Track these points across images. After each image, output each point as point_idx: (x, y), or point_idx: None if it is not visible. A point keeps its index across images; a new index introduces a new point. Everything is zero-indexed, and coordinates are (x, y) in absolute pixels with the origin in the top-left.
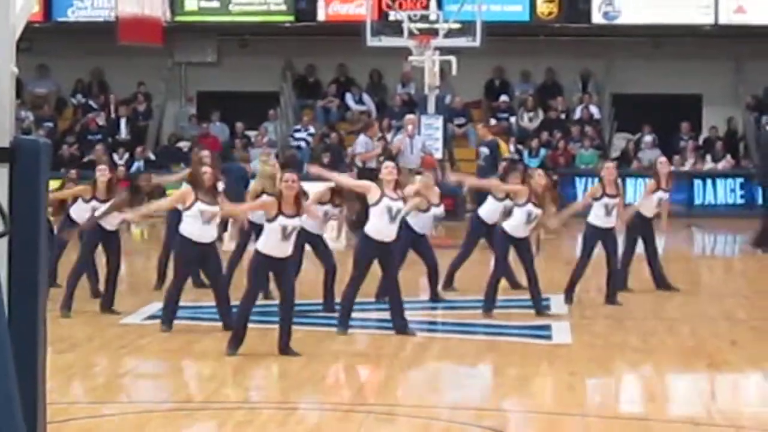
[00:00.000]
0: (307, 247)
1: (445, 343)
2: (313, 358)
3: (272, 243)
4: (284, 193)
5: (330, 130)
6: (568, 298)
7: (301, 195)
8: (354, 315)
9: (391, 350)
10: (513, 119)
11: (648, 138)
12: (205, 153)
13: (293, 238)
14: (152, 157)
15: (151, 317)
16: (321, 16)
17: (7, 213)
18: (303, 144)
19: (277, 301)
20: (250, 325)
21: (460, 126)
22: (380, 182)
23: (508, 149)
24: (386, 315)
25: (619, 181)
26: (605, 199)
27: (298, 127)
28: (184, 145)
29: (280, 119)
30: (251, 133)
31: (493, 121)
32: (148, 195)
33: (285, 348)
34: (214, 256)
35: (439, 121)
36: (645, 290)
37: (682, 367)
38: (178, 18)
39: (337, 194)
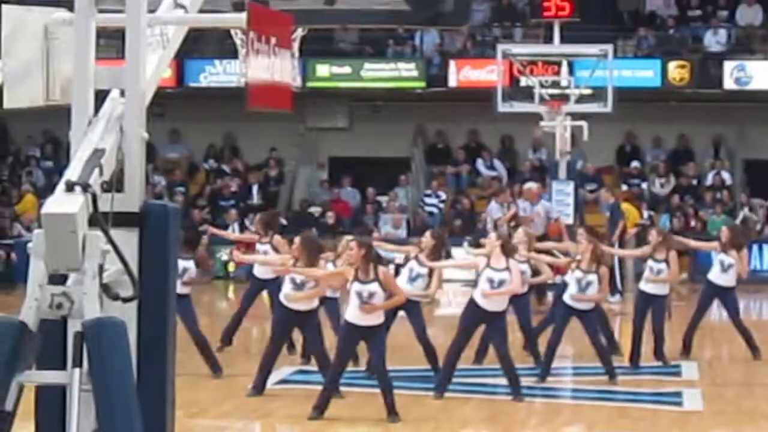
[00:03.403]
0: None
1: (576, 408)
2: (441, 423)
3: (353, 310)
4: (354, 258)
5: (461, 195)
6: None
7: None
8: (476, 381)
9: (522, 416)
10: (644, 185)
11: None
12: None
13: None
14: (284, 222)
15: (282, 381)
16: (452, 82)
17: (137, 277)
18: (434, 209)
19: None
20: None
21: (591, 191)
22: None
23: (640, 215)
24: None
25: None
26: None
27: (429, 192)
28: (315, 210)
29: (411, 184)
30: (382, 199)
31: (624, 187)
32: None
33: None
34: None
35: (570, 187)
36: None
37: None
38: (310, 84)
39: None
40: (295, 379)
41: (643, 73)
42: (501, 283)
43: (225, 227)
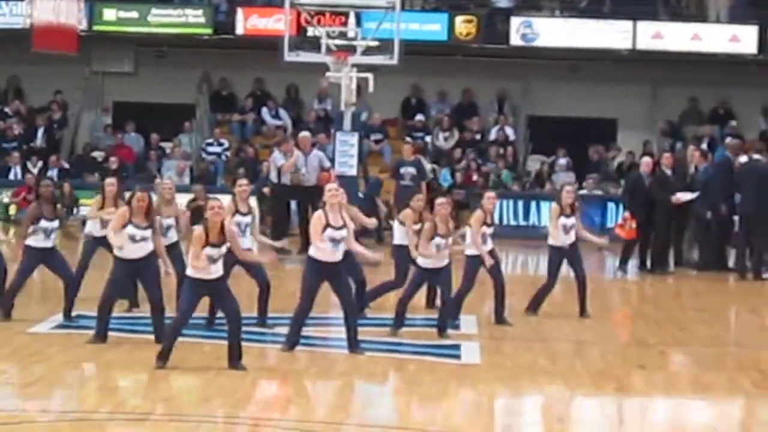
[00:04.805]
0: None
1: (354, 360)
2: (222, 371)
3: (202, 268)
4: (211, 220)
5: (245, 144)
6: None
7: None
8: (259, 329)
9: (301, 366)
10: (428, 138)
11: (562, 161)
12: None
13: (221, 262)
14: (66, 166)
15: (59, 326)
16: (239, 29)
17: None
18: (216, 157)
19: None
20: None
21: (376, 142)
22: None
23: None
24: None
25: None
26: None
27: (211, 140)
28: (98, 154)
29: (196, 131)
30: (166, 145)
31: (408, 140)
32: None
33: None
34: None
35: (354, 138)
36: (555, 313)
37: (590, 390)
38: (97, 27)
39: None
40: (73, 324)
41: (430, 27)
42: (342, 239)
43: (8, 170)
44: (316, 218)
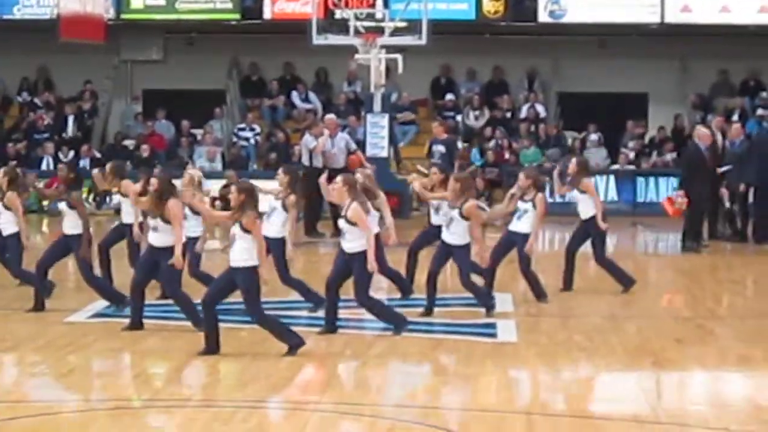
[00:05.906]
0: None
1: (390, 341)
2: (258, 356)
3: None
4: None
5: (276, 128)
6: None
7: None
8: (299, 313)
9: (337, 348)
10: (459, 118)
11: (593, 136)
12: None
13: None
14: (98, 155)
15: (96, 315)
16: (267, 14)
17: None
18: (248, 143)
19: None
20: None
21: (402, 124)
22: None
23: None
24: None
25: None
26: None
27: (243, 125)
28: (129, 143)
29: (226, 117)
30: (197, 132)
31: (438, 119)
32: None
33: None
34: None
35: (385, 120)
36: (590, 288)
37: (626, 365)
38: (125, 15)
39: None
40: (109, 312)
41: (458, 6)
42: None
43: (39, 161)
44: None
